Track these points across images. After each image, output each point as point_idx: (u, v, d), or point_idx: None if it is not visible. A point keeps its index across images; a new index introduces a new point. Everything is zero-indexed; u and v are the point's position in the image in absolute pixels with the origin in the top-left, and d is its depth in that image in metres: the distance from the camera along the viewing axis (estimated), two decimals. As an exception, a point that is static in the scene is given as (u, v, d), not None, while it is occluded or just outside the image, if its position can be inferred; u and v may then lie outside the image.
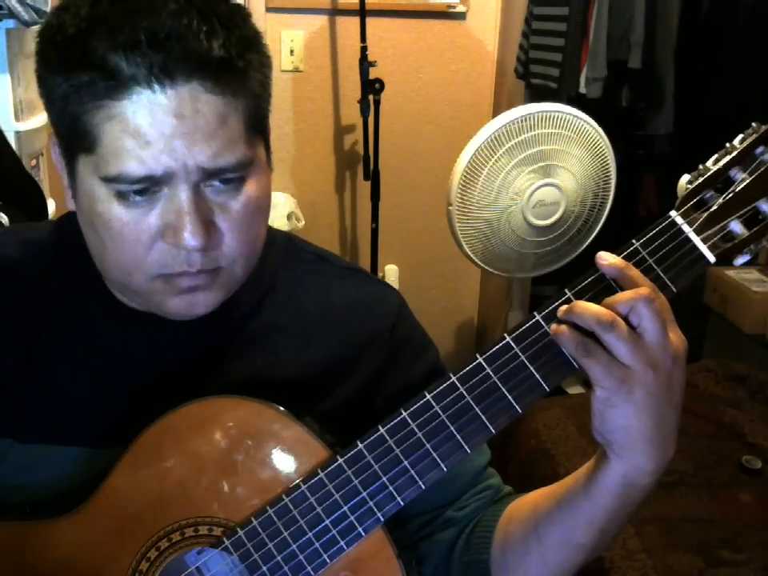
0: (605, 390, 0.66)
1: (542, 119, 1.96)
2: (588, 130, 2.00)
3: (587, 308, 0.66)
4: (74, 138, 0.71)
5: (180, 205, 0.70)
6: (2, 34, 1.96)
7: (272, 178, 0.79)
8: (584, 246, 2.16)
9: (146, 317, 0.81)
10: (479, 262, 2.13)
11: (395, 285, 2.98)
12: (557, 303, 0.69)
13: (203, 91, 0.67)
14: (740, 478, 1.87)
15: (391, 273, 3.05)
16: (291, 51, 2.77)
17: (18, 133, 2.03)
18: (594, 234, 2.16)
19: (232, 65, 0.69)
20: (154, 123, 0.67)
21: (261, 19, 2.71)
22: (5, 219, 1.77)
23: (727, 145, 0.70)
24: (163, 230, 0.71)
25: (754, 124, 0.69)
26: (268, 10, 2.72)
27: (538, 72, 2.58)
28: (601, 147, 2.03)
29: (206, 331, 0.82)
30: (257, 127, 0.74)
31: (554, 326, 0.68)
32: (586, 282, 0.69)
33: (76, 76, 0.67)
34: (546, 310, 0.69)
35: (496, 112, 2.82)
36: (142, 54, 0.65)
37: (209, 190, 0.71)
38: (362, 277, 0.92)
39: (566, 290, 0.69)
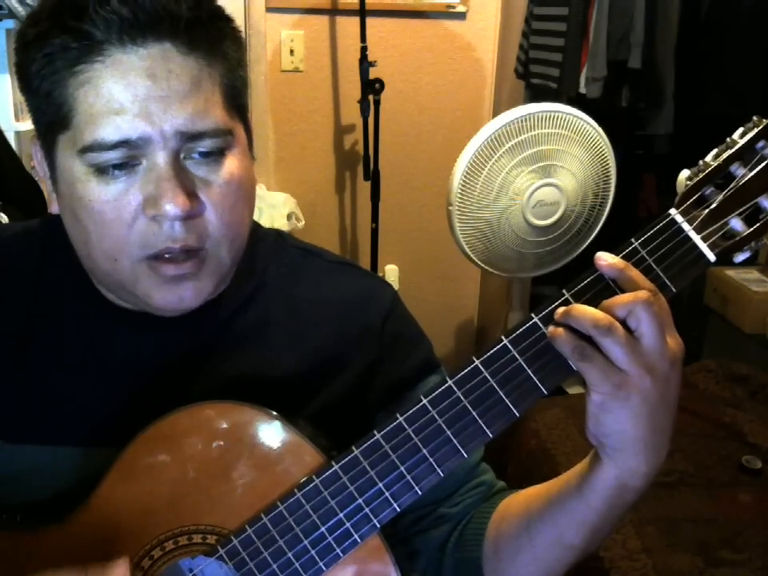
0: (601, 394, 0.65)
1: (541, 119, 1.96)
2: (588, 130, 2.00)
3: (584, 311, 0.64)
4: (51, 116, 0.71)
5: (159, 173, 0.70)
6: (2, 34, 1.97)
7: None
8: (584, 245, 2.16)
9: (136, 315, 0.81)
10: (479, 262, 2.13)
11: (395, 285, 2.98)
12: (555, 305, 0.67)
13: (175, 52, 0.69)
14: (740, 478, 1.86)
15: (391, 273, 3.04)
16: (291, 51, 2.77)
17: (17, 133, 2.04)
18: (594, 234, 2.16)
19: (203, 27, 0.70)
20: (127, 86, 0.67)
21: (261, 19, 2.71)
22: (5, 219, 1.77)
23: (728, 139, 0.68)
24: (144, 203, 0.70)
25: (755, 117, 0.67)
26: (268, 10, 2.72)
27: (537, 72, 2.58)
28: (601, 147, 2.03)
29: (196, 328, 0.82)
30: (234, 102, 0.75)
31: (550, 328, 0.66)
32: (584, 283, 0.67)
33: (49, 43, 0.68)
34: (544, 312, 0.68)
35: (496, 112, 2.82)
36: (112, 11, 0.66)
37: (189, 163, 0.71)
38: (354, 271, 0.92)
39: (564, 291, 0.68)
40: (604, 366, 0.64)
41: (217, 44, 0.73)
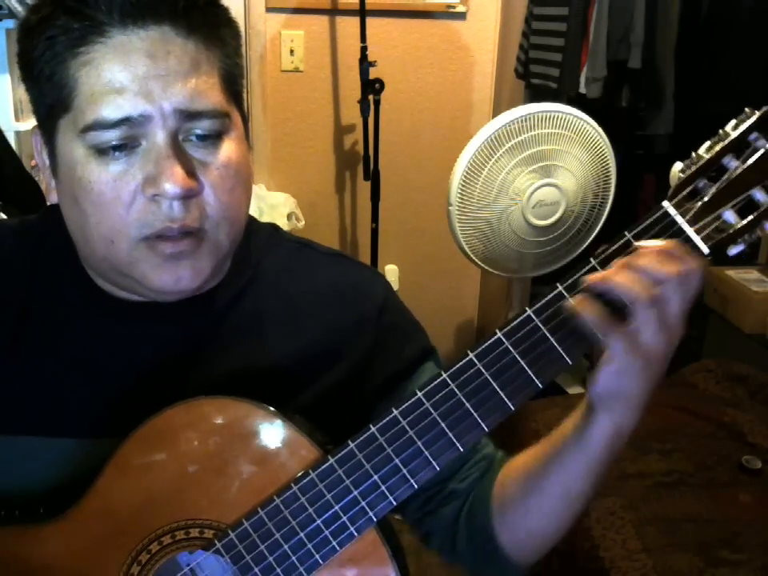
0: (620, 363, 0.66)
1: (541, 119, 1.96)
2: (588, 130, 2.00)
3: (632, 280, 0.64)
4: (53, 99, 0.72)
5: (159, 152, 0.70)
6: (2, 34, 1.97)
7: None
8: (584, 245, 2.16)
9: (132, 306, 0.81)
10: (479, 262, 2.13)
11: (395, 285, 2.98)
12: (548, 298, 0.68)
13: (174, 35, 0.70)
14: (740, 478, 1.86)
15: (391, 273, 3.04)
16: (291, 51, 2.77)
17: (17, 133, 2.04)
18: (594, 234, 2.15)
19: (200, 11, 0.72)
20: (127, 65, 0.69)
21: (261, 19, 2.71)
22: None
23: (720, 131, 0.68)
24: (143, 183, 0.71)
25: (747, 109, 0.67)
26: (268, 10, 2.72)
27: (538, 72, 2.58)
28: (601, 147, 2.03)
29: (192, 320, 0.82)
30: (231, 88, 0.76)
31: (578, 298, 0.66)
32: (578, 276, 0.68)
33: (52, 25, 0.70)
34: (538, 305, 0.68)
35: (496, 112, 2.82)
36: None
37: (187, 145, 0.72)
38: (346, 262, 0.92)
39: (558, 285, 0.68)
40: (631, 339, 0.65)
41: (215, 29, 0.74)
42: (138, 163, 0.71)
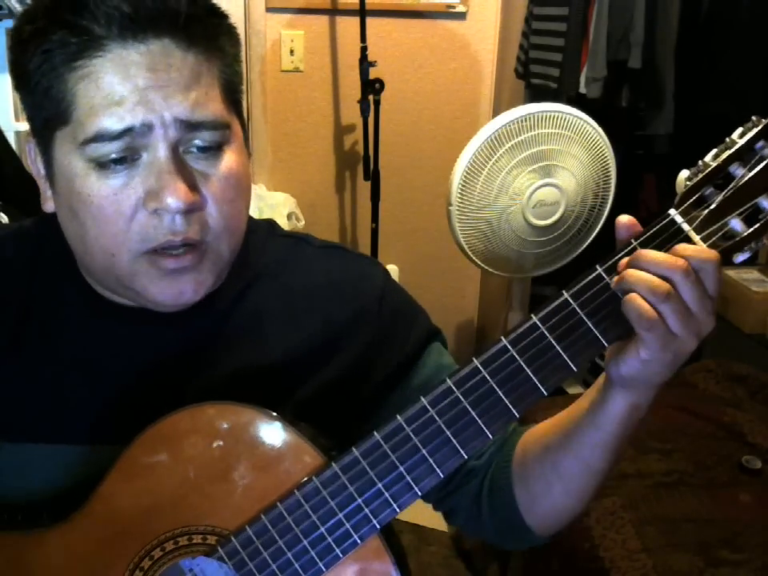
0: (652, 355, 0.67)
1: (541, 119, 1.96)
2: (588, 130, 2.00)
3: (641, 277, 0.65)
4: (49, 112, 0.71)
5: (160, 166, 0.70)
6: (2, 33, 1.97)
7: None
8: (584, 245, 2.16)
9: (132, 311, 0.81)
10: (479, 262, 2.13)
11: (395, 285, 2.97)
12: (553, 305, 0.68)
13: (174, 48, 0.69)
14: (740, 478, 1.86)
15: (391, 273, 3.04)
16: (291, 51, 2.77)
17: (17, 133, 2.04)
18: (594, 234, 2.16)
19: (200, 23, 0.71)
20: (127, 77, 0.68)
21: (261, 19, 2.71)
22: (5, 219, 1.77)
23: (727, 139, 0.68)
24: (145, 197, 0.70)
25: (753, 117, 0.68)
26: (268, 9, 2.71)
27: (538, 72, 2.57)
28: (601, 147, 2.03)
29: (193, 323, 0.82)
30: (231, 97, 0.75)
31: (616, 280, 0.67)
32: (583, 283, 0.68)
33: (48, 39, 0.68)
34: (543, 312, 0.68)
35: (496, 112, 2.82)
36: (114, 7, 0.67)
37: (188, 157, 0.72)
38: (343, 253, 0.92)
39: (564, 292, 0.68)
40: (666, 333, 0.66)
41: (214, 39, 0.73)
42: (138, 176, 0.70)
